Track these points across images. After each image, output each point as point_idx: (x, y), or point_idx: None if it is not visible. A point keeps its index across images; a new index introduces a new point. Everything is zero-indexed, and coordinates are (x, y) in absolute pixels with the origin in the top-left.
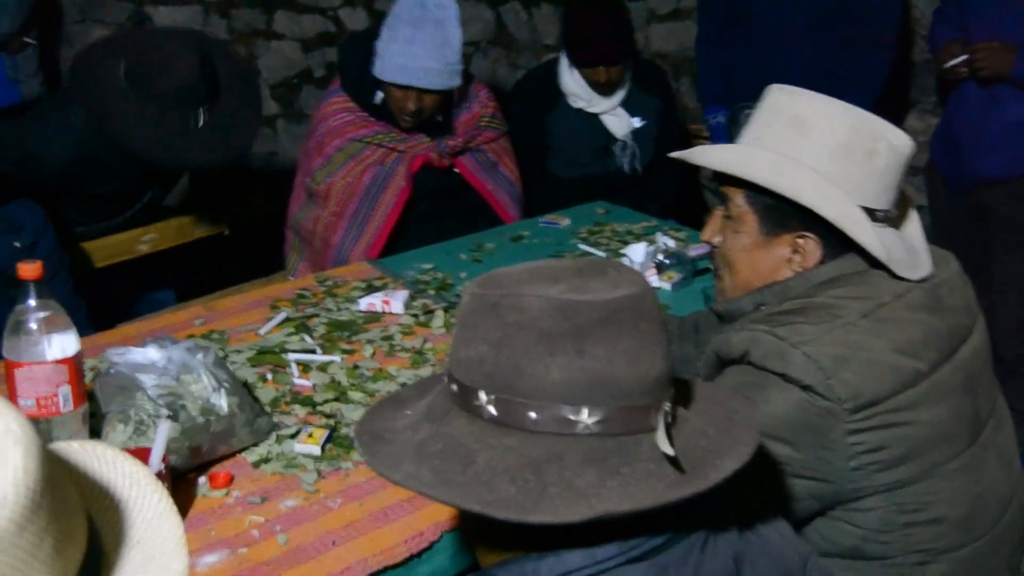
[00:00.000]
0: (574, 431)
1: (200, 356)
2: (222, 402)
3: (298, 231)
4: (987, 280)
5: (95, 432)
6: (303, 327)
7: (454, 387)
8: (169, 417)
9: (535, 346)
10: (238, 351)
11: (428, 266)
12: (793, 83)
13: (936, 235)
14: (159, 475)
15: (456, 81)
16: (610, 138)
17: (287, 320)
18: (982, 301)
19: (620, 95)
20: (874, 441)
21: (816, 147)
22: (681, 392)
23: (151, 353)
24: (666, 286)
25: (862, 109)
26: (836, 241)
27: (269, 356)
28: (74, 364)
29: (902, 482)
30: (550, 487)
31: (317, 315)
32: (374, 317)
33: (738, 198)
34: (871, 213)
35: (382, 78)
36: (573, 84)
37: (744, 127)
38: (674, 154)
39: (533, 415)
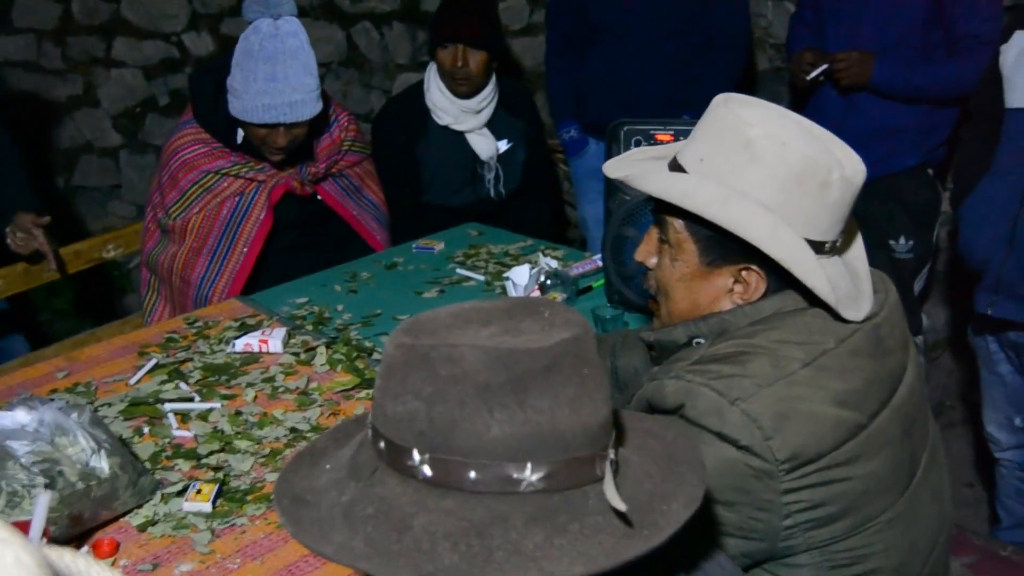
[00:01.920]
0: (517, 489)
1: (75, 416)
2: (103, 464)
3: (154, 269)
4: None
5: None
6: (177, 373)
7: (382, 444)
8: (46, 486)
9: (472, 401)
10: (108, 404)
11: (303, 300)
12: (647, 95)
13: None
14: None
15: (319, 105)
16: (477, 161)
17: (158, 367)
18: None
19: (486, 114)
20: (810, 499)
21: (766, 177)
22: (618, 428)
23: (19, 416)
24: None
25: (812, 124)
26: (779, 276)
27: (143, 407)
28: None
29: (836, 538)
30: (496, 552)
31: (190, 359)
32: (252, 358)
33: (676, 224)
34: (820, 247)
35: (246, 119)
36: (438, 95)
37: (624, 145)
38: (612, 175)
39: (473, 475)
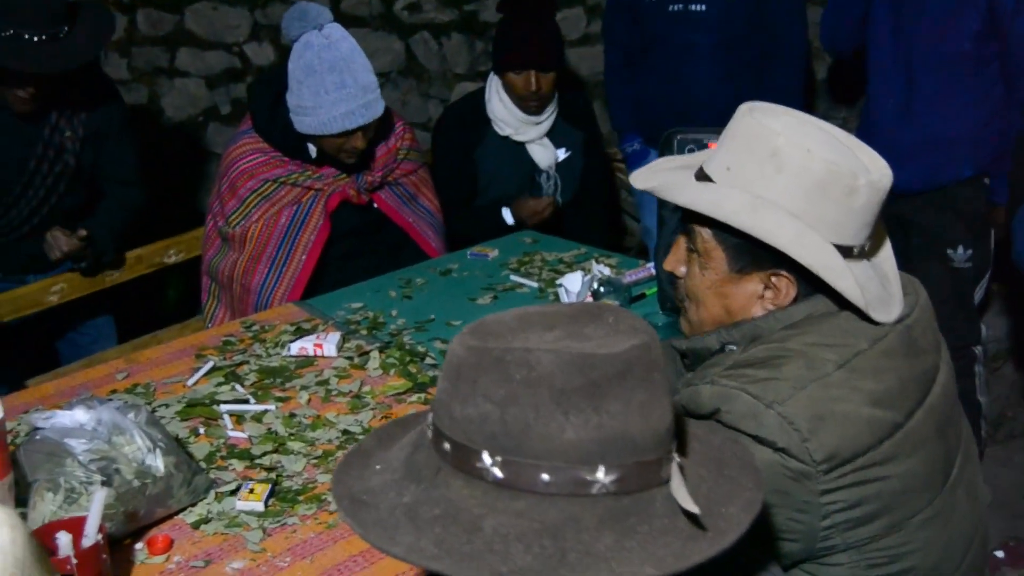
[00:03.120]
0: (589, 492)
1: (132, 415)
2: (158, 463)
3: (215, 276)
4: None
5: (21, 502)
6: (233, 376)
7: (446, 446)
8: (103, 483)
9: (547, 404)
10: (166, 404)
11: (358, 305)
12: (705, 107)
13: None
14: (95, 546)
15: (383, 102)
16: (535, 169)
17: (215, 369)
18: None
19: (547, 124)
20: (848, 499)
21: (792, 185)
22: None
23: (79, 415)
24: None
25: (838, 130)
26: (808, 281)
27: (199, 408)
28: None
29: (874, 537)
30: (569, 553)
31: (246, 362)
32: (307, 361)
33: (705, 232)
34: (848, 251)
35: (327, 132)
36: (501, 109)
37: (678, 154)
38: (640, 186)
39: (546, 477)
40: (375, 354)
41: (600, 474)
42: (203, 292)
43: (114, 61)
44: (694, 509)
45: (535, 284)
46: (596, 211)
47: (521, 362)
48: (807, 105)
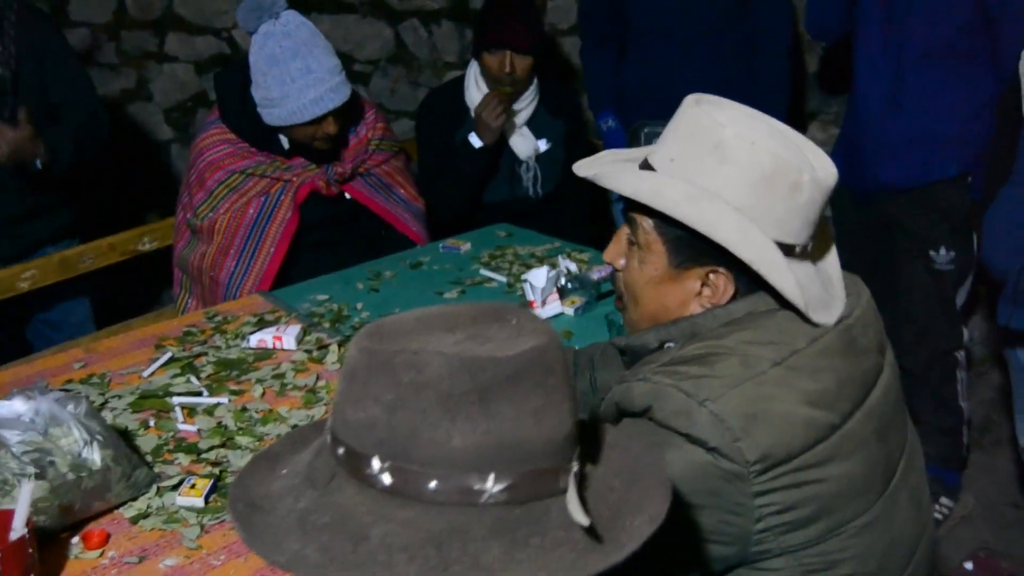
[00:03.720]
0: (478, 501)
1: (71, 407)
2: (95, 456)
3: (185, 268)
4: (893, 291)
5: None
6: (190, 367)
7: (341, 451)
8: (36, 475)
9: (434, 409)
10: (119, 396)
11: (323, 297)
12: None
13: (842, 246)
14: (21, 540)
15: (349, 84)
16: (515, 160)
17: (172, 360)
18: (888, 313)
19: (526, 113)
20: (783, 502)
21: (736, 178)
22: (584, 439)
23: (17, 406)
24: (569, 311)
25: (785, 127)
26: (748, 278)
27: (152, 400)
28: None
29: (810, 542)
30: (453, 565)
31: (205, 354)
32: (265, 354)
33: (646, 223)
34: (790, 249)
35: (299, 121)
36: (478, 96)
37: (647, 144)
38: (582, 173)
39: (433, 484)
40: (334, 347)
41: (489, 483)
42: (175, 284)
43: (103, 45)
44: (584, 521)
45: (504, 279)
46: (577, 205)
47: (409, 365)
48: (798, 98)
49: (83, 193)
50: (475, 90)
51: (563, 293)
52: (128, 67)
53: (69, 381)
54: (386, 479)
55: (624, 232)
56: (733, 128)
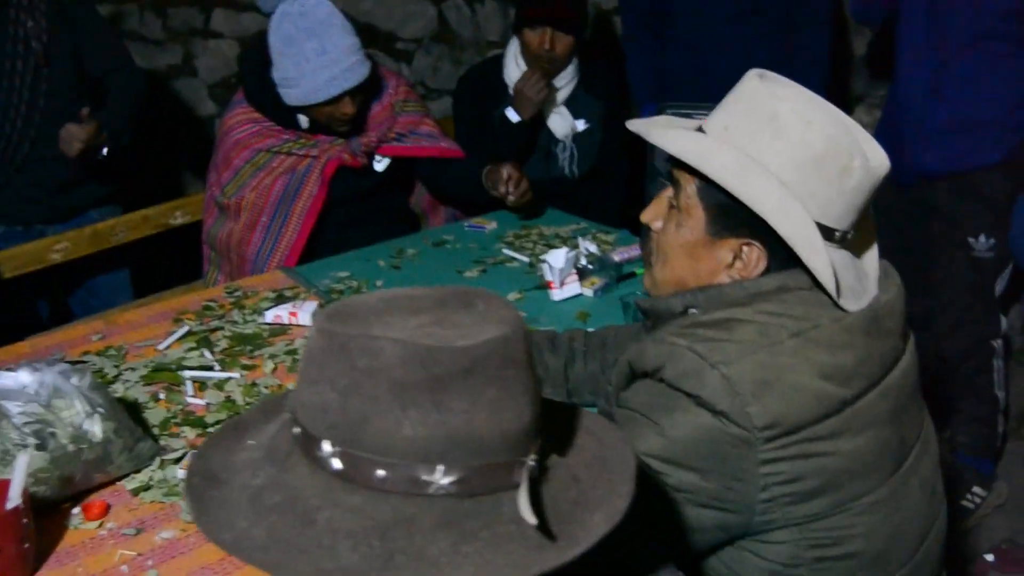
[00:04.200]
0: (426, 491)
1: (75, 380)
2: (95, 428)
3: (213, 245)
4: (929, 278)
5: None
6: (205, 341)
7: (296, 430)
8: (36, 446)
9: (386, 397)
10: (132, 368)
11: (344, 274)
12: (725, 79)
13: (880, 231)
14: (16, 509)
15: (370, 63)
16: (552, 139)
17: (189, 334)
18: (925, 300)
19: (565, 92)
20: (789, 472)
21: (787, 154)
22: (552, 426)
23: (22, 377)
24: (588, 292)
25: (844, 115)
26: (784, 255)
27: (164, 374)
28: None
29: (816, 515)
30: (397, 555)
31: (221, 328)
32: (280, 330)
33: (690, 187)
34: (830, 233)
35: (313, 101)
36: (517, 73)
37: None
38: (633, 128)
39: (381, 473)
40: None
41: (438, 474)
42: (204, 261)
43: (149, 21)
44: (531, 520)
45: (526, 259)
46: (613, 186)
47: (364, 350)
48: (844, 80)
49: (126, 163)
50: (514, 67)
51: (583, 274)
52: (174, 43)
53: (86, 353)
54: (336, 463)
55: (666, 194)
56: (791, 104)
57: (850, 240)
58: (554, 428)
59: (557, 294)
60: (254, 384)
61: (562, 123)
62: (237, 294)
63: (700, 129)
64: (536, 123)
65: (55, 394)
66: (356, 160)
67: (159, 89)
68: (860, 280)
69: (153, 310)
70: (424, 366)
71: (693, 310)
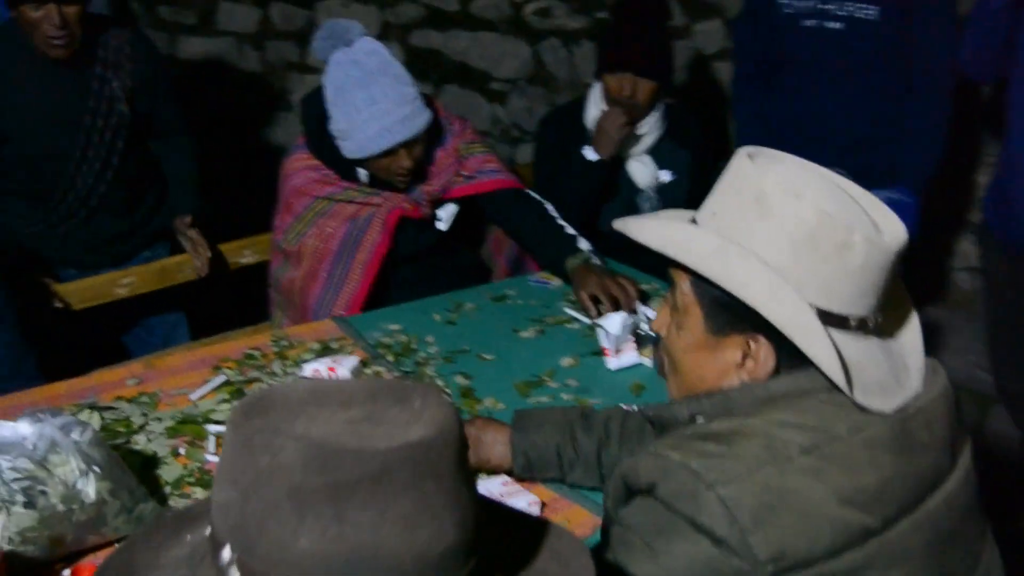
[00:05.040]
0: None
1: (75, 434)
2: (89, 489)
3: (278, 289)
4: None
5: None
6: (239, 394)
7: (208, 530)
8: (25, 504)
9: (284, 503)
10: (159, 418)
11: (395, 327)
12: (835, 135)
13: (989, 302)
14: None
15: (428, 113)
16: (635, 189)
17: (225, 384)
18: None
19: (648, 140)
20: None
21: (777, 234)
22: (505, 546)
23: (22, 428)
24: (647, 362)
25: (849, 183)
26: (791, 349)
27: (190, 427)
28: None
29: None
30: None
31: (259, 380)
32: None
33: (684, 284)
34: (841, 320)
35: (367, 155)
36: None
37: None
38: (616, 226)
39: None
40: None
41: None
42: (271, 305)
43: (247, 54)
44: None
45: (588, 320)
46: None
47: (266, 447)
48: (961, 140)
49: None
50: (595, 111)
51: (641, 342)
52: (271, 77)
53: (119, 398)
54: (234, 573)
55: (668, 297)
56: (776, 179)
57: (876, 327)
58: (508, 549)
59: (613, 362)
60: None
61: (644, 172)
62: (283, 343)
63: (693, 218)
64: (615, 166)
65: (51, 449)
66: (418, 210)
67: (254, 123)
68: (896, 375)
69: (194, 355)
70: (325, 471)
71: (700, 418)
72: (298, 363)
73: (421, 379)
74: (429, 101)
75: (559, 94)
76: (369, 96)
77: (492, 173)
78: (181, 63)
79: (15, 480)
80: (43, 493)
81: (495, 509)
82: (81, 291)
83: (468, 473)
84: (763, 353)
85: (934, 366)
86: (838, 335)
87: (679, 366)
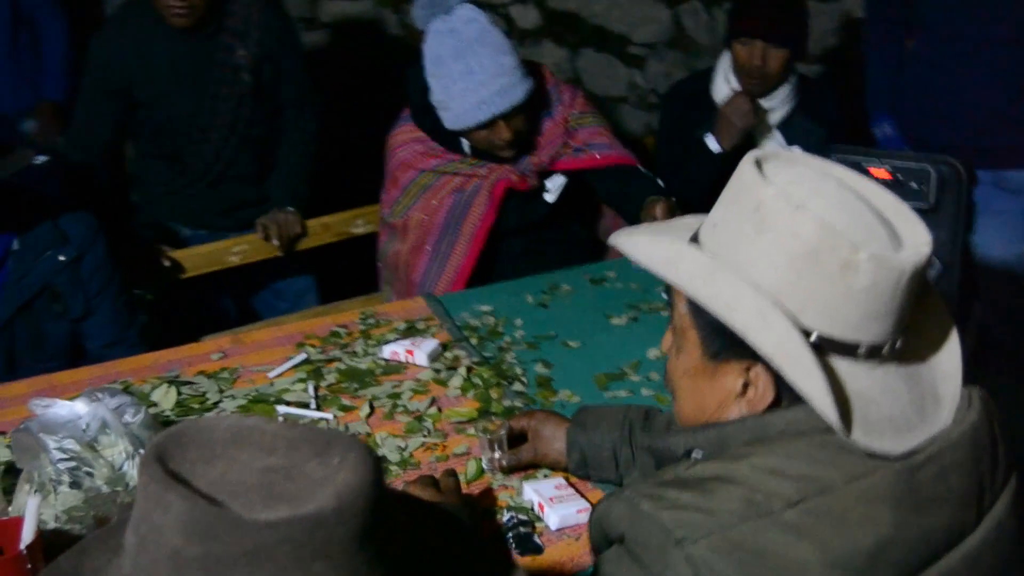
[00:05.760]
0: None
1: (128, 415)
2: (134, 472)
3: (385, 264)
4: None
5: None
6: (316, 373)
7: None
8: (71, 484)
9: (164, 567)
10: (233, 396)
11: (486, 308)
12: (971, 108)
13: None
14: (19, 555)
15: (529, 83)
16: None
17: (305, 363)
18: None
19: (779, 115)
20: None
21: (774, 250)
22: None
23: (78, 407)
24: None
25: (878, 189)
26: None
27: (260, 407)
28: None
29: None
30: None
31: (339, 359)
32: (395, 367)
33: (681, 305)
34: (848, 348)
35: (464, 127)
36: (725, 89)
37: None
38: (610, 241)
39: None
40: (461, 372)
41: None
42: (379, 279)
43: (386, 15)
44: None
45: None
46: None
47: (157, 501)
48: None
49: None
50: (723, 83)
51: None
52: (408, 39)
53: (200, 373)
54: None
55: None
56: (780, 188)
57: (898, 352)
58: None
59: None
60: (345, 428)
61: (772, 148)
62: (369, 321)
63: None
64: (740, 154)
65: (102, 430)
66: (524, 182)
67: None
68: (921, 408)
69: (283, 331)
70: (205, 540)
71: (696, 453)
72: (380, 343)
73: (500, 365)
74: (535, 69)
75: (699, 59)
76: (466, 67)
77: (602, 148)
78: (322, 26)
79: (61, 461)
80: (89, 475)
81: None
82: (194, 257)
83: (382, 545)
84: (762, 383)
85: (971, 395)
86: (844, 364)
87: (678, 392)
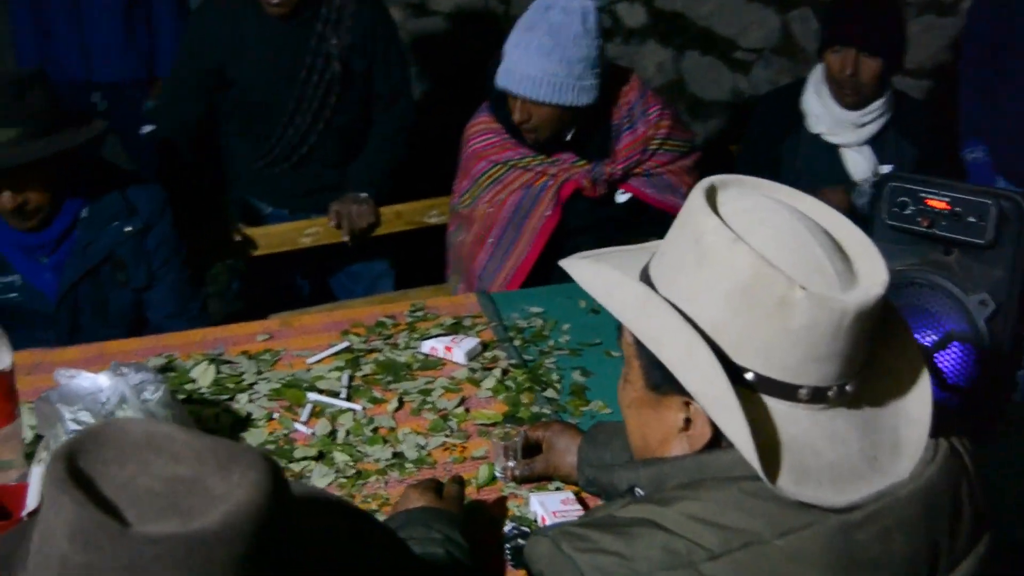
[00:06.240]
0: None
1: (147, 392)
2: None
3: (452, 254)
4: None
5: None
6: (353, 363)
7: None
8: None
9: (54, 569)
10: (267, 379)
11: (537, 309)
12: None
13: None
14: (31, 514)
15: (567, 98)
16: (849, 181)
17: (346, 351)
18: None
19: (871, 129)
20: None
21: (712, 285)
22: None
23: (102, 380)
24: None
25: (842, 220)
26: None
27: (292, 392)
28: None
29: None
30: None
31: (378, 350)
32: (433, 363)
33: (627, 334)
34: (789, 391)
35: (495, 84)
36: (815, 102)
37: (889, 204)
38: (563, 264)
39: None
40: (496, 373)
41: None
42: (448, 266)
43: (493, 6)
44: None
45: None
46: None
47: (53, 501)
48: None
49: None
50: (812, 94)
51: None
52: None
53: (243, 353)
54: None
55: None
56: (721, 219)
57: (845, 398)
58: None
59: None
60: (371, 421)
61: (863, 164)
62: (418, 314)
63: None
64: (834, 162)
65: (120, 405)
66: (594, 190)
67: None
68: (874, 456)
69: (332, 317)
70: (88, 549)
71: (639, 491)
72: (423, 337)
73: (537, 370)
74: (624, 79)
75: (806, 67)
76: (527, 39)
77: (666, 191)
78: (431, 13)
79: (73, 432)
80: None
81: None
82: (267, 236)
83: (274, 567)
84: (700, 420)
85: (937, 447)
86: (783, 407)
87: (627, 423)
